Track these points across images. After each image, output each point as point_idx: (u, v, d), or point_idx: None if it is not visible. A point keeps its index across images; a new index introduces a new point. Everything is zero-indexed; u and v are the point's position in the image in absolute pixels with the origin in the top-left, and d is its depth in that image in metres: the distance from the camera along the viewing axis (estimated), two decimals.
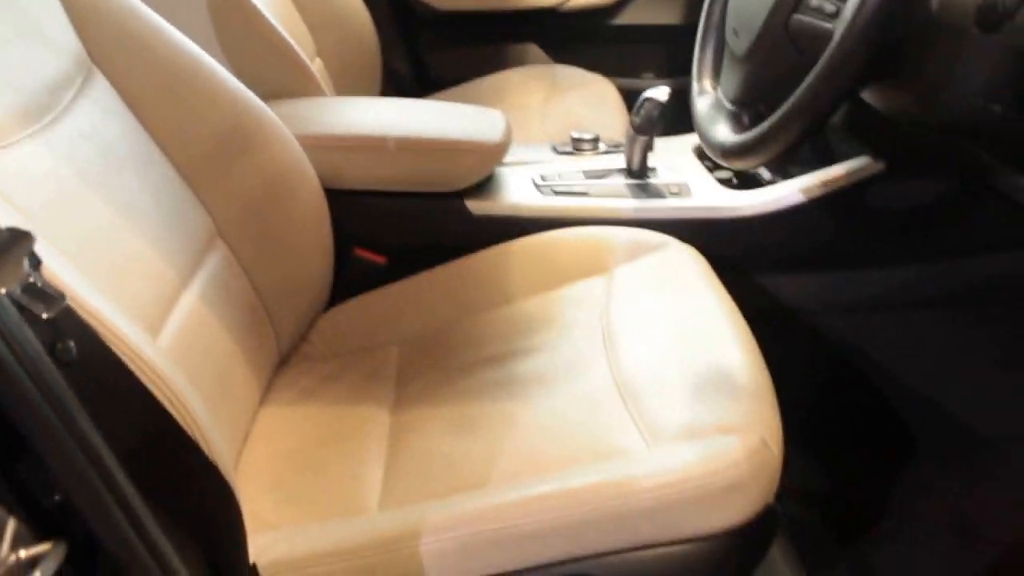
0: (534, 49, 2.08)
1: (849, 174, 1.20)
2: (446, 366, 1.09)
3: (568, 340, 1.06)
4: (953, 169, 1.11)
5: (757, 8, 0.90)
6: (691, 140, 1.47)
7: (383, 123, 1.28)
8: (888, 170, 1.17)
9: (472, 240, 1.24)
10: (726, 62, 0.99)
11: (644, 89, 1.94)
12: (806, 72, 0.85)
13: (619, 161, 1.38)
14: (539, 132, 1.67)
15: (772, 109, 0.91)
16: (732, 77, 0.95)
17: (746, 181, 1.39)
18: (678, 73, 2.07)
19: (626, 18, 2.05)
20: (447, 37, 2.06)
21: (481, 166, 1.28)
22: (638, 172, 1.34)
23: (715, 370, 0.94)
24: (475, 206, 1.27)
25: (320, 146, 1.21)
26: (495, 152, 1.27)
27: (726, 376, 0.92)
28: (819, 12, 0.84)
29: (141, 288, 0.87)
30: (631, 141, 1.32)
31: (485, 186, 1.30)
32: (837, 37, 0.76)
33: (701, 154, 1.45)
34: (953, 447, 1.22)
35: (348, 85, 1.71)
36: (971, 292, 1.21)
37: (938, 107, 0.84)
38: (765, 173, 1.39)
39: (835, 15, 0.82)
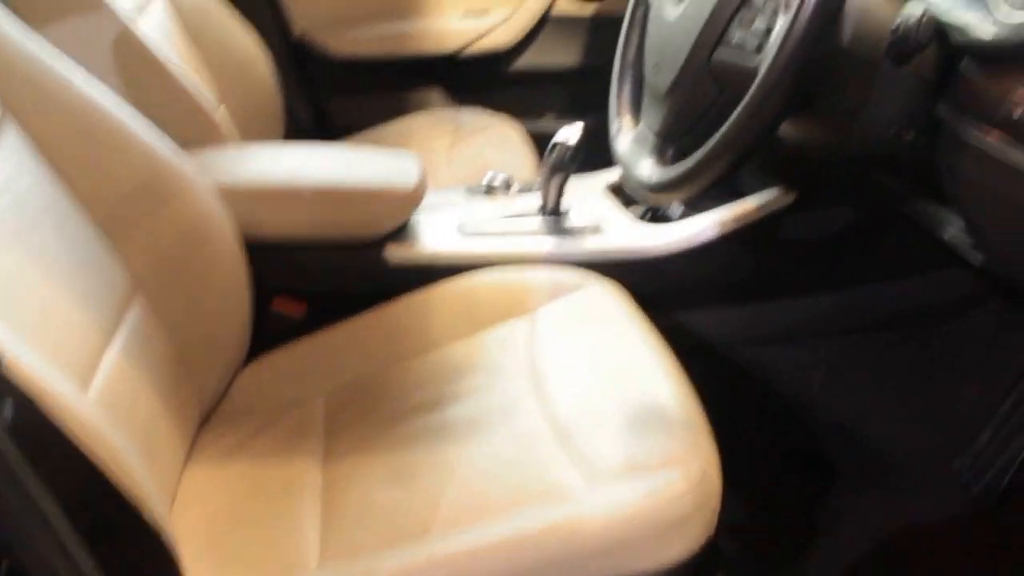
0: (437, 93, 2.11)
1: (761, 207, 1.25)
2: (376, 415, 1.08)
3: (497, 383, 1.08)
4: (861, 197, 1.18)
5: (678, 45, 0.93)
6: (603, 178, 1.51)
7: (299, 171, 1.28)
8: (799, 201, 1.23)
9: (393, 287, 1.24)
10: (648, 97, 1.03)
11: (548, 130, 1.99)
12: (729, 107, 0.89)
13: (534, 202, 1.40)
14: (448, 176, 1.69)
15: (696, 143, 0.95)
16: (655, 112, 0.99)
17: (659, 217, 1.44)
18: (578, 114, 2.14)
19: (526, 61, 2.10)
20: (348, 83, 2.07)
21: (399, 212, 1.29)
22: (554, 212, 1.37)
23: (647, 404, 0.96)
24: (394, 253, 1.28)
25: (236, 196, 1.20)
26: (412, 198, 1.28)
27: (658, 409, 0.95)
28: (741, 49, 0.88)
29: (65, 347, 0.85)
30: (546, 181, 1.35)
31: (403, 232, 1.30)
32: (762, 73, 0.80)
33: (614, 191, 1.49)
34: (869, 469, 1.28)
35: (252, 133, 1.70)
36: (883, 317, 1.27)
37: (852, 137, 0.89)
38: (676, 209, 1.44)
39: (757, 51, 0.86)
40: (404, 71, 2.06)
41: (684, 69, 0.92)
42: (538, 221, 1.36)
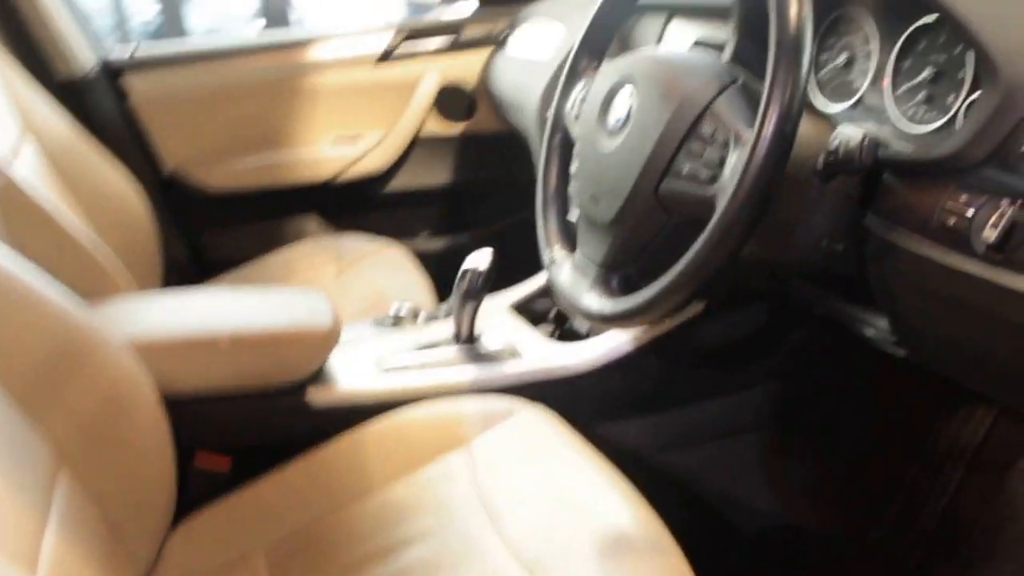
0: (313, 221, 2.11)
1: (673, 317, 1.32)
2: (326, 569, 1.05)
3: (450, 523, 1.07)
4: (767, 301, 1.27)
5: (620, 176, 0.98)
6: (503, 299, 1.55)
7: (212, 319, 1.25)
8: (707, 309, 1.31)
9: (318, 431, 1.22)
10: (585, 228, 1.06)
11: (428, 249, 2.03)
12: (677, 235, 0.95)
13: (446, 330, 1.43)
14: (343, 307, 1.68)
15: (643, 271, 0.99)
16: (595, 242, 1.03)
17: (569, 334, 1.49)
18: (451, 231, 2.19)
19: (400, 183, 2.14)
20: (223, 216, 2.04)
21: (318, 354, 1.27)
22: (468, 339, 1.39)
23: (611, 531, 0.98)
24: (316, 396, 1.26)
25: (150, 350, 1.16)
26: (330, 337, 1.27)
27: (624, 535, 0.97)
28: (693, 179, 0.92)
29: (6, 538, 0.79)
30: (459, 309, 1.37)
31: (323, 373, 1.29)
32: (723, 205, 0.85)
33: (519, 310, 1.54)
34: (793, 555, 1.35)
35: (132, 274, 1.64)
36: (794, 408, 1.36)
37: (788, 251, 0.96)
38: (583, 325, 1.50)
39: (712, 181, 0.91)
40: (279, 201, 2.05)
41: (629, 200, 0.97)
42: (455, 350, 1.38)
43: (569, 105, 1.16)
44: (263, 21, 4.29)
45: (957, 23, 0.92)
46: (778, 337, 1.35)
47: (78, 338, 1.03)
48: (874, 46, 1.10)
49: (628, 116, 0.99)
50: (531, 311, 1.56)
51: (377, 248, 1.87)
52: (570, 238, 1.13)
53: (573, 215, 1.15)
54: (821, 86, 1.16)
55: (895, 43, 1.06)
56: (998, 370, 0.93)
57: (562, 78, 1.18)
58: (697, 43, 1.39)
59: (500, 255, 1.34)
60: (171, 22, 4.16)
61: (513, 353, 1.37)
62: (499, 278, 1.38)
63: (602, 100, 1.04)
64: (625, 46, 1.60)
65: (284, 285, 1.76)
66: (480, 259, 1.35)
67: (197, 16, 5.58)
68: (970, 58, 0.97)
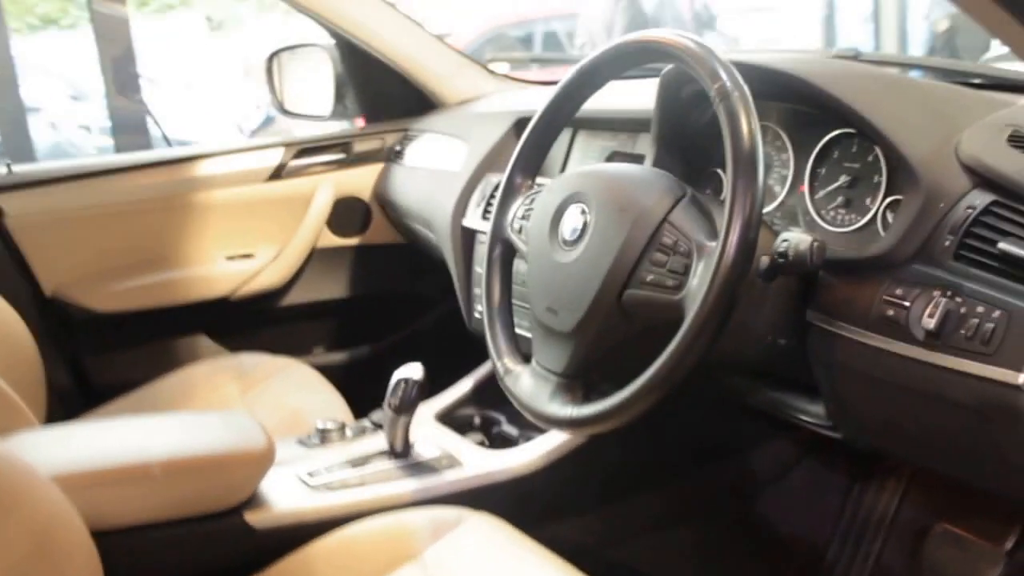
0: (204, 340, 2.06)
1: None
2: None
3: None
4: (703, 395, 1.34)
5: (579, 286, 1.02)
6: (426, 409, 1.57)
7: (141, 447, 1.20)
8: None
9: (262, 554, 1.19)
10: (541, 338, 1.09)
11: (326, 364, 2.02)
12: (641, 341, 1.00)
13: (375, 443, 1.42)
14: None
15: (606, 376, 1.03)
16: (555, 352, 1.06)
17: (499, 440, 1.52)
18: (350, 345, 2.19)
19: (297, 297, 2.12)
20: (111, 338, 1.96)
21: (254, 475, 1.25)
22: (403, 452, 1.39)
23: None
24: (255, 518, 1.24)
25: (78, 486, 1.10)
26: (266, 457, 1.25)
27: None
28: (658, 287, 0.97)
29: None
30: (392, 421, 1.38)
31: (259, 496, 1.26)
32: (694, 310, 0.91)
33: (443, 420, 1.55)
34: None
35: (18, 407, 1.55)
36: (722, 497, 1.43)
37: (737, 347, 1.02)
38: (513, 430, 1.53)
39: (678, 288, 0.96)
40: (169, 321, 2.00)
41: (592, 309, 1.01)
42: (391, 463, 1.38)
43: (509, 219, 1.20)
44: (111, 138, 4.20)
45: (882, 138, 1.03)
46: (709, 428, 1.42)
47: (2, 481, 0.98)
48: (789, 155, 1.21)
49: (584, 230, 1.04)
50: (455, 419, 1.57)
51: (281, 365, 1.85)
52: (519, 349, 1.17)
53: (521, 326, 1.19)
54: None
55: (810, 153, 1.17)
56: (937, 444, 1.02)
57: (499, 194, 1.23)
58: (615, 154, 1.48)
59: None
60: (15, 139, 4.01)
61: (451, 462, 1.38)
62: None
63: (552, 215, 1.09)
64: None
65: (187, 408, 1.70)
66: (411, 370, 1.36)
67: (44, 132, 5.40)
68: (884, 165, 1.09)
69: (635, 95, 1.41)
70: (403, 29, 2.09)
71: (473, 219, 1.65)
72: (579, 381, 1.04)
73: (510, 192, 1.22)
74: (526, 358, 1.15)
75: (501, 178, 1.61)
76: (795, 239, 0.96)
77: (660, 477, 1.45)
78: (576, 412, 1.01)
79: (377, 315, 2.20)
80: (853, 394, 1.05)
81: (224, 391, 1.78)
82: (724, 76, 0.95)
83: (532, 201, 1.19)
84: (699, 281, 0.93)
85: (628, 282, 0.99)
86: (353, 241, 2.16)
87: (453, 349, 1.73)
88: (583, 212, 1.06)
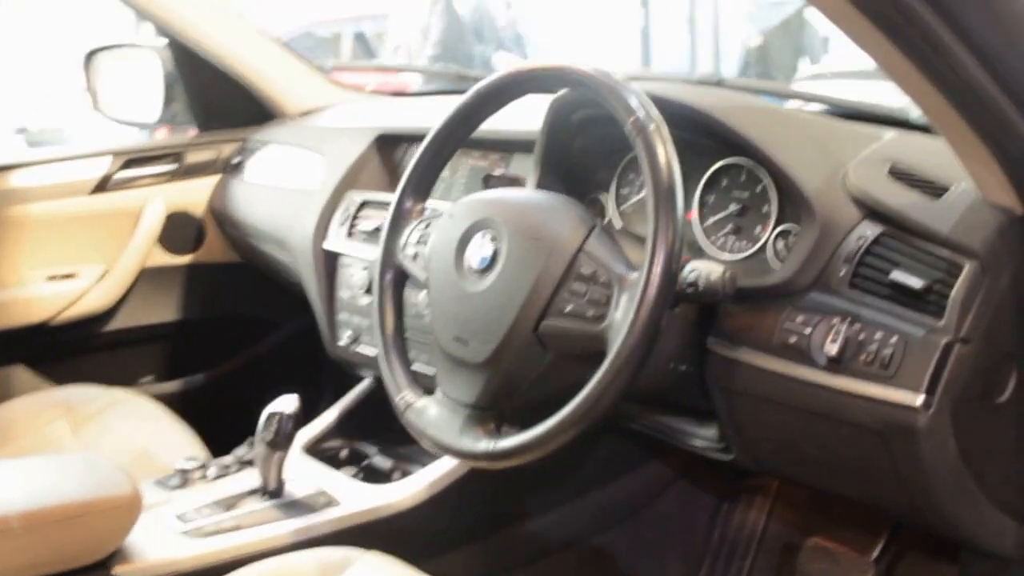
0: (21, 372, 1.91)
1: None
2: None
3: None
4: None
5: (491, 316, 1.02)
6: (296, 440, 1.53)
7: None
8: None
9: None
10: (448, 369, 1.09)
11: (159, 394, 1.94)
12: (558, 370, 1.01)
13: (243, 482, 1.38)
14: None
15: (518, 407, 1.04)
16: (466, 383, 1.06)
17: (373, 474, 1.50)
18: (183, 372, 2.10)
19: (123, 321, 2.01)
20: None
21: (123, 524, 1.18)
22: (276, 491, 1.35)
23: None
24: (126, 571, 1.17)
25: None
26: (134, 505, 1.19)
27: None
28: (579, 317, 0.99)
29: None
30: (266, 459, 1.34)
31: (128, 547, 1.19)
32: (617, 344, 0.93)
33: (311, 452, 1.52)
34: None
35: None
36: (601, 520, 1.48)
37: (641, 375, 1.06)
38: (386, 462, 1.52)
39: (599, 319, 0.98)
40: None
41: (506, 340, 1.02)
42: (264, 503, 1.34)
43: (401, 244, 1.19)
44: None
45: (773, 168, 1.10)
46: (590, 452, 1.47)
47: None
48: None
49: (494, 258, 1.05)
50: (323, 452, 1.55)
51: (117, 398, 1.74)
52: (418, 381, 1.16)
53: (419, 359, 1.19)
54: (626, 219, 1.32)
55: (698, 181, 1.24)
56: (834, 463, 1.10)
57: (387, 219, 1.21)
58: (489, 177, 1.50)
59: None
60: None
61: (328, 500, 1.36)
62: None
63: (457, 243, 1.09)
64: (397, 172, 1.68)
65: (9, 453, 1.58)
66: (286, 404, 1.33)
67: None
68: (773, 195, 1.17)
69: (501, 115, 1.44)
70: (240, 32, 2.03)
71: (336, 240, 1.62)
72: (492, 412, 1.05)
73: (400, 217, 1.21)
74: (427, 390, 1.14)
75: (363, 196, 1.63)
76: (705, 268, 1.00)
77: (542, 503, 1.48)
78: (493, 446, 1.02)
79: (213, 339, 2.12)
80: (752, 418, 1.12)
81: (51, 430, 1.66)
82: (640, 109, 0.99)
83: (427, 226, 1.18)
84: (623, 313, 0.96)
85: (546, 312, 1.01)
86: (186, 259, 2.07)
87: (299, 376, 1.70)
88: (493, 239, 1.07)
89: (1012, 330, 1.01)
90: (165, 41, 2.01)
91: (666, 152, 0.97)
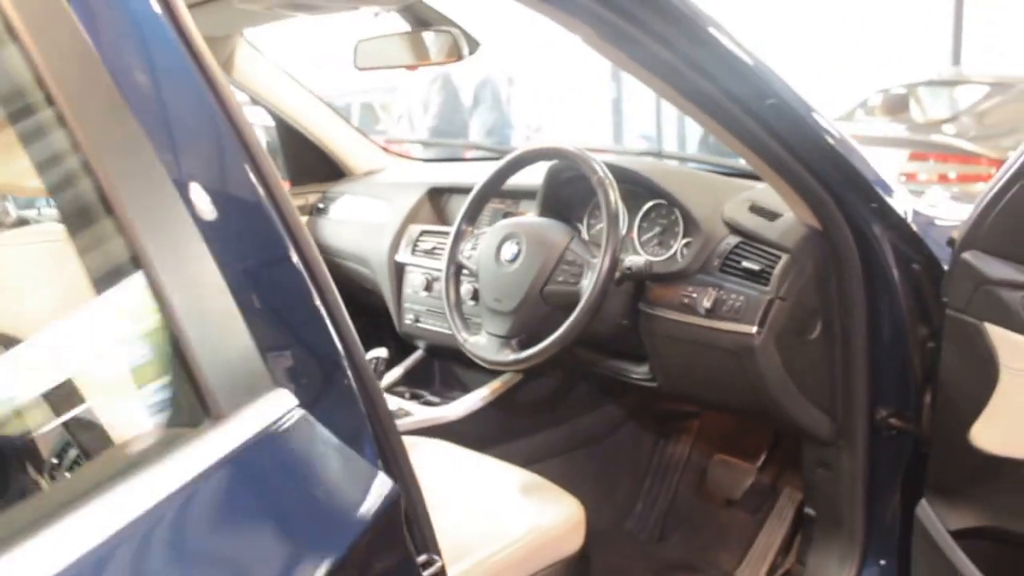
0: None
1: (504, 382, 2.20)
2: None
3: None
4: (567, 367, 2.18)
5: (516, 286, 1.82)
6: None
7: None
8: (525, 377, 2.21)
9: None
10: (489, 316, 1.89)
11: None
12: (553, 316, 1.81)
13: None
14: None
15: (531, 337, 1.84)
16: (499, 323, 1.86)
17: (427, 403, 2.30)
18: None
19: None
20: None
21: None
22: None
23: (520, 486, 1.80)
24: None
25: None
26: None
27: (530, 484, 1.79)
28: (565, 283, 1.81)
29: None
30: None
31: None
32: (584, 297, 1.74)
33: (387, 392, 2.32)
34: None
35: None
36: (583, 437, 2.28)
37: (595, 326, 1.84)
38: (435, 399, 2.32)
39: (575, 284, 1.80)
40: None
41: (525, 298, 1.83)
42: None
43: (460, 250, 2.01)
44: None
45: (680, 207, 1.93)
46: (567, 394, 2.28)
47: None
48: (624, 215, 2.10)
49: (518, 254, 1.87)
50: (394, 393, 2.34)
51: None
52: (468, 327, 1.96)
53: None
54: (592, 235, 2.14)
55: (637, 213, 2.06)
56: (713, 379, 1.90)
57: (451, 237, 2.03)
58: (508, 213, 2.33)
59: None
60: None
61: (405, 413, 2.15)
62: None
63: (496, 246, 1.91)
64: (443, 213, 2.51)
65: None
66: (378, 352, 2.13)
67: None
68: (680, 222, 1.99)
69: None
70: (322, 111, 2.85)
71: (403, 255, 2.44)
72: (515, 340, 1.86)
73: (459, 234, 2.03)
74: (473, 333, 1.95)
75: (421, 227, 2.46)
76: (636, 261, 1.83)
77: (535, 425, 2.28)
78: (515, 356, 1.83)
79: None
80: (666, 352, 1.93)
81: None
82: (600, 172, 1.81)
83: (477, 239, 2.01)
84: (589, 281, 1.78)
85: (547, 281, 1.83)
86: None
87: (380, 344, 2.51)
88: (516, 243, 1.89)
89: (814, 295, 1.78)
90: (273, 123, 2.83)
91: (614, 195, 1.80)
